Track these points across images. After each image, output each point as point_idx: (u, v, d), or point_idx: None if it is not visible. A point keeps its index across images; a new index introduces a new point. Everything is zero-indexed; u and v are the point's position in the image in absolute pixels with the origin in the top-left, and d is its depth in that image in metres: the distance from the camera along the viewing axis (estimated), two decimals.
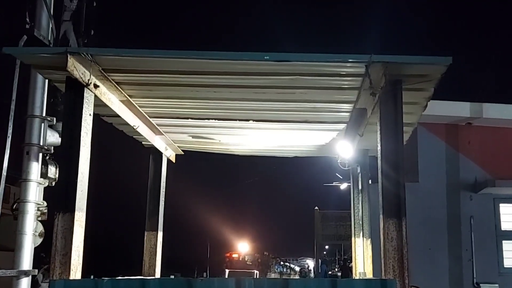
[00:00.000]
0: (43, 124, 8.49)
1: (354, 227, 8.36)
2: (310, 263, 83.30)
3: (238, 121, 7.37)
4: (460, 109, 12.84)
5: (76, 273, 5.32)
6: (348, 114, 6.91)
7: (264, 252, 59.55)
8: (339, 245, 38.20)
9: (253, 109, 6.89)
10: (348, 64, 5.31)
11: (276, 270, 64.94)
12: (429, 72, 5.28)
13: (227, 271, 43.41)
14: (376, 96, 5.52)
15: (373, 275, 8.04)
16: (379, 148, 5.43)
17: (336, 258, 47.45)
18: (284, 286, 4.90)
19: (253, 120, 7.28)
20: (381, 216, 5.28)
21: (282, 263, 78.35)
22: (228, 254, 50.55)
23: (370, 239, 8.22)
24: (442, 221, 12.62)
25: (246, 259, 49.56)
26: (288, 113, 7.01)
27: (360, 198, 8.33)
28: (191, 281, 5.13)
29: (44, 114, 8.54)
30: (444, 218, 12.64)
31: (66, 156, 5.55)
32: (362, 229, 8.22)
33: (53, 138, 8.69)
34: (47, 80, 8.36)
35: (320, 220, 28.21)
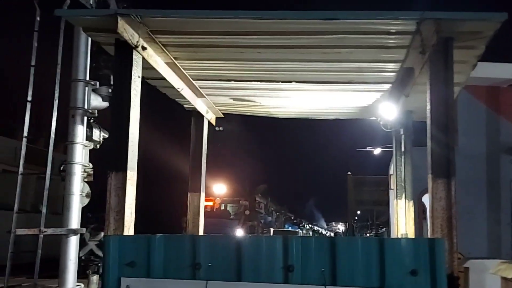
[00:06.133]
0: (87, 88, 8.65)
1: (396, 189, 8.36)
2: (341, 228, 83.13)
3: (280, 83, 7.37)
4: (502, 71, 12.49)
5: (129, 229, 5.51)
6: (394, 74, 6.83)
7: (256, 199, 34.00)
8: (372, 210, 38.19)
9: (297, 70, 6.88)
10: (399, 22, 5.23)
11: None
12: (482, 29, 5.16)
13: (271, 230, 30.37)
14: (425, 55, 5.43)
15: (415, 237, 8.08)
16: (428, 107, 5.37)
17: (368, 224, 46.25)
18: (331, 244, 4.96)
19: (296, 82, 7.27)
20: (429, 175, 5.27)
21: (301, 224, 62.90)
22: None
23: (412, 201, 8.23)
24: (482, 185, 12.46)
25: (227, 210, 29.99)
26: (332, 74, 6.97)
27: (402, 160, 8.30)
28: (240, 239, 5.25)
29: (87, 78, 8.70)
30: (483, 182, 12.48)
31: (116, 117, 5.68)
32: (405, 191, 8.22)
33: (97, 101, 8.86)
34: (89, 45, 8.50)
35: (353, 185, 28.22)
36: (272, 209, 40.96)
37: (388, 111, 7.77)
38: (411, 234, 8.00)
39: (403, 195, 8.27)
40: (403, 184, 8.24)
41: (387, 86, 7.35)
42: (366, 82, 7.25)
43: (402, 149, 8.30)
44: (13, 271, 8.00)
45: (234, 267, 4.91)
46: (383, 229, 34.40)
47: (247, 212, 29.97)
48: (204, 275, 4.92)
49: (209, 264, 4.94)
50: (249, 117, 9.85)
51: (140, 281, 5.03)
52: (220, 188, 30.70)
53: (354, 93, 7.74)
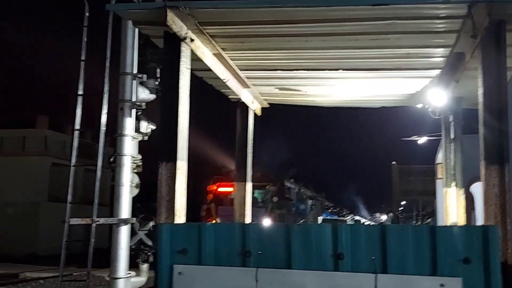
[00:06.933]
0: (134, 81, 8.82)
1: (446, 177, 8.21)
2: (384, 218, 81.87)
3: (327, 71, 7.36)
4: None
5: (180, 217, 5.64)
6: (443, 59, 6.71)
7: (286, 183, 28.49)
8: (417, 201, 37.45)
9: (344, 58, 6.85)
10: (449, 5, 5.14)
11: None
12: None
13: (320, 218, 28.81)
14: (477, 39, 5.31)
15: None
16: (480, 93, 5.26)
17: (414, 214, 45.19)
18: (382, 232, 4.93)
19: (343, 69, 7.24)
20: (482, 162, 5.17)
21: (341, 213, 58.19)
22: (213, 187, 23.95)
23: (462, 189, 8.07)
24: None
25: (255, 196, 23.29)
26: (379, 61, 6.91)
27: (452, 148, 8.14)
28: (289, 226, 5.29)
29: (135, 72, 8.87)
30: None
31: (166, 108, 5.81)
32: (455, 179, 8.06)
33: (144, 94, 8.99)
34: (136, 39, 8.66)
35: (398, 175, 27.78)
36: (306, 196, 35.66)
37: (437, 98, 7.63)
38: (462, 222, 7.84)
39: (453, 184, 8.12)
40: (453, 172, 8.08)
41: (436, 72, 7.23)
42: (414, 68, 7.15)
43: (452, 136, 8.14)
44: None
45: (283, 255, 4.96)
46: (429, 220, 33.74)
47: (275, 199, 25.02)
48: (254, 262, 4.98)
49: (259, 252, 4.99)
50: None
51: (191, 268, 5.13)
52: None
53: (402, 79, 7.65)
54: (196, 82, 8.51)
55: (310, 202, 35.93)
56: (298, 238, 5.00)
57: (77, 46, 8.60)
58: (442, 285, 4.57)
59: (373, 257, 4.76)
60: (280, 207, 25.68)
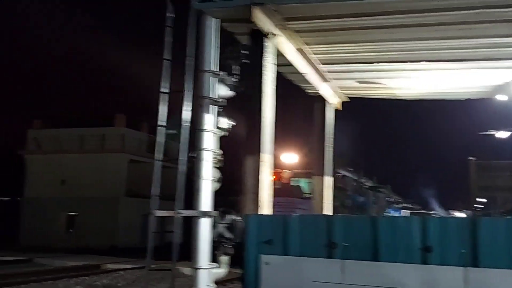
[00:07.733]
0: (214, 78, 9.05)
1: None
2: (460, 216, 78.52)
3: (408, 63, 7.27)
4: None
5: (265, 209, 5.77)
6: None
7: (339, 172, 25.05)
8: (495, 197, 35.88)
9: (427, 49, 6.74)
10: None
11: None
12: None
13: (403, 211, 26.55)
14: None
15: None
16: None
17: (492, 212, 43.04)
18: (472, 225, 4.83)
19: (425, 61, 7.13)
20: None
21: (412, 209, 51.49)
22: None
23: None
24: None
25: (299, 185, 21.45)
26: (465, 51, 6.75)
27: None
28: (375, 218, 5.29)
29: (214, 69, 9.10)
30: None
31: (250, 102, 5.95)
32: None
33: (223, 91, 9.21)
34: (216, 37, 8.89)
35: (476, 170, 26.75)
36: (366, 187, 31.75)
37: None
38: None
39: None
40: None
41: None
42: (502, 58, 6.94)
43: None
44: (140, 253, 8.50)
45: (370, 247, 4.95)
46: (508, 217, 32.23)
47: None
48: (340, 254, 5.01)
49: (345, 244, 5.01)
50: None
51: (278, 258, 5.25)
52: (290, 158, 22.22)
53: (488, 70, 7.43)
54: None
55: (371, 194, 33.27)
56: (385, 230, 4.98)
57: (151, 47, 8.95)
58: None
59: (463, 251, 4.68)
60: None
